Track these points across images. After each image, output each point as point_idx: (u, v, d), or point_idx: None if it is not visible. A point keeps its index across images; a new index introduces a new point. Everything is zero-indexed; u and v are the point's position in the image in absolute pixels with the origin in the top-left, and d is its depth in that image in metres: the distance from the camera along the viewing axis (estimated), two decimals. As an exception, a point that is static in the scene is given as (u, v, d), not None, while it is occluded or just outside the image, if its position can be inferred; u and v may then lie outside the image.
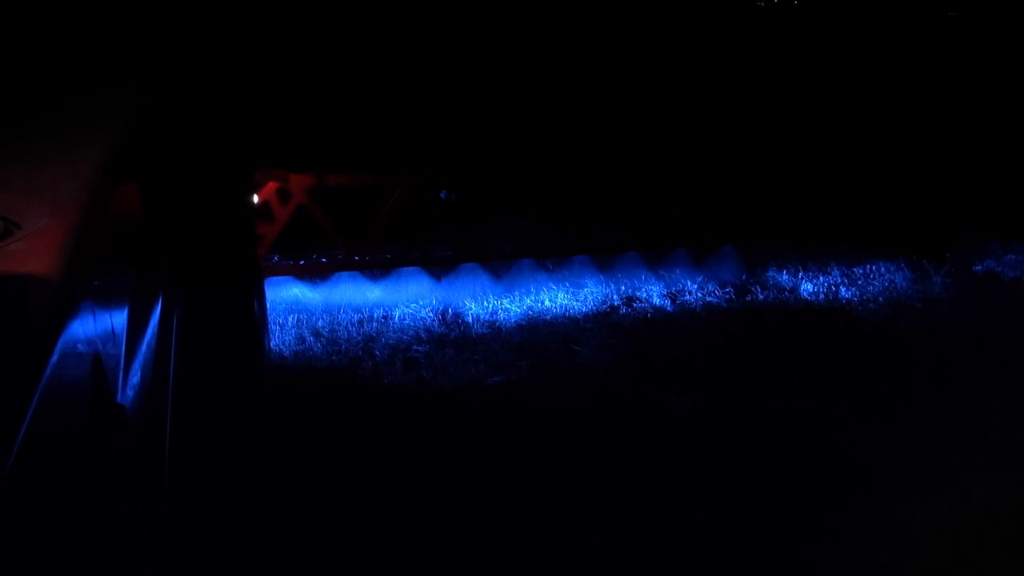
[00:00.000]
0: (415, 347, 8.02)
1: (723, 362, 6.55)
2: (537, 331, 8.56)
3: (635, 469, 4.41)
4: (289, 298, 10.99)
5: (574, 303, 10.53)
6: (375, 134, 11.77)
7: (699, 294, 11.01)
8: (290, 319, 9.84)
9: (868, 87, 11.95)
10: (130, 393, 4.38)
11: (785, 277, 11.67)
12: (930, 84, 11.94)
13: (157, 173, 6.04)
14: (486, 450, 4.64)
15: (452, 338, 8.37)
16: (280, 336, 8.95)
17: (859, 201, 12.32)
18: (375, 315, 10.08)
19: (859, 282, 11.02)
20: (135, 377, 4.32)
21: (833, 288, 10.81)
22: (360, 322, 9.72)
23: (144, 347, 5.00)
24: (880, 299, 9.96)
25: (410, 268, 11.64)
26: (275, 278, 10.82)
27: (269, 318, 8.32)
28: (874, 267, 11.36)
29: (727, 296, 10.88)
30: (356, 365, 7.69)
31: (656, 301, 10.67)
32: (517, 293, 11.22)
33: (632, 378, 5.84)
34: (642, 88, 12.24)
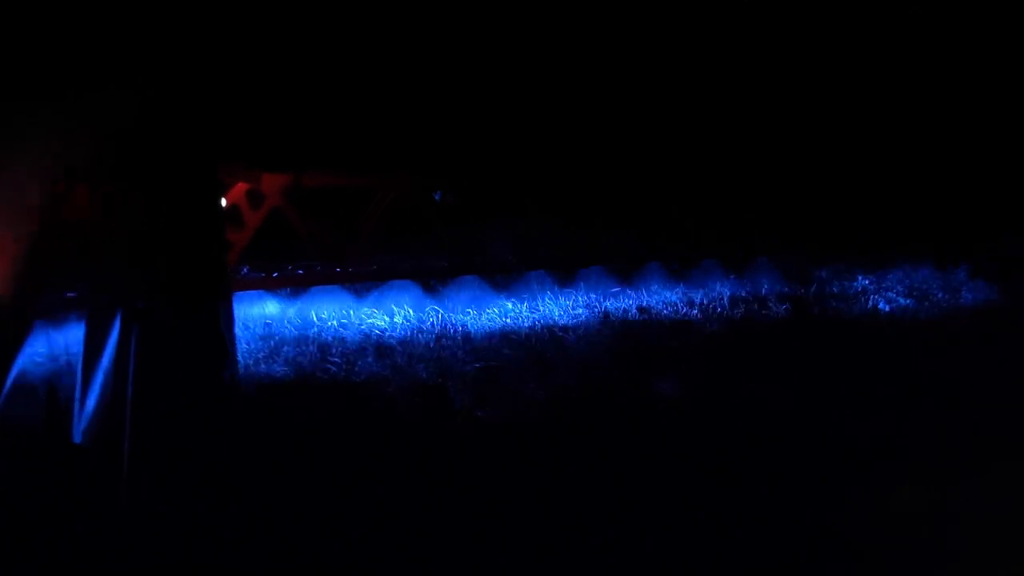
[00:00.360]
0: (393, 380, 8.12)
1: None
2: (555, 368, 8.38)
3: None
4: (260, 316, 11.09)
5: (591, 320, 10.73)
6: (362, 128, 11.80)
7: (741, 307, 11.33)
8: (261, 340, 9.96)
9: (908, 89, 12.81)
10: (84, 424, 4.91)
11: (839, 285, 12.14)
12: (970, 84, 12.83)
13: (111, 174, 6.51)
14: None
15: (447, 373, 8.37)
16: (249, 359, 9.00)
17: (903, 202, 13.18)
18: (358, 337, 10.18)
19: (918, 290, 11.71)
20: (91, 401, 4.73)
21: (891, 299, 11.42)
22: (340, 343, 9.80)
23: (100, 371, 5.44)
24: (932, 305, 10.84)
25: (401, 281, 11.77)
26: (244, 293, 10.92)
27: (237, 338, 8.19)
28: (925, 271, 12.27)
29: (776, 310, 11.24)
30: (334, 396, 7.81)
31: (689, 315, 10.97)
32: (524, 307, 11.38)
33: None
34: (662, 80, 12.78)
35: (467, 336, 9.76)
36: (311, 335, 10.21)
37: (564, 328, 9.97)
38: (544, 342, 9.20)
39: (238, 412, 6.82)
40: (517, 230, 12.49)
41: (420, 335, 10.09)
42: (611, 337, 9.39)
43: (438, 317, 10.77)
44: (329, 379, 8.30)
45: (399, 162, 12.10)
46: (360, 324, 10.74)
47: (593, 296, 11.79)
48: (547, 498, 4.86)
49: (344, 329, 10.53)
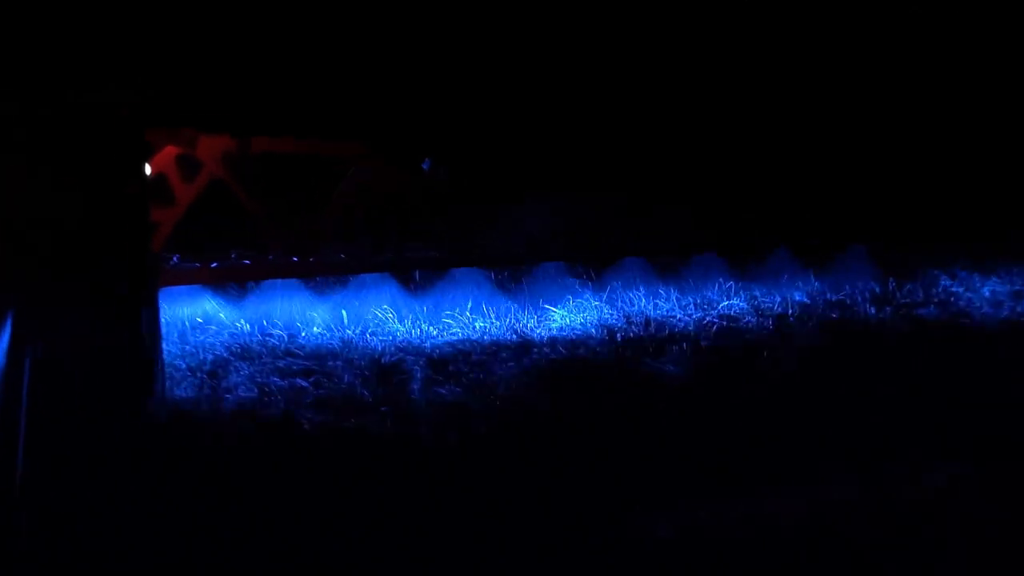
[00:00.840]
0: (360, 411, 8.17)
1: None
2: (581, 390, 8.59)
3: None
4: (195, 318, 11.10)
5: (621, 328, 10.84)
6: (328, 79, 11.79)
7: (812, 310, 11.65)
8: (195, 350, 10.00)
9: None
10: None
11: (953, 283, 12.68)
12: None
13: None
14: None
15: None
16: (178, 376, 9.06)
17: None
18: (320, 347, 10.24)
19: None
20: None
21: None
22: (295, 357, 9.87)
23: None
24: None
25: (376, 275, 11.75)
26: (175, 288, 10.91)
27: (164, 349, 8.23)
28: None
29: (858, 313, 11.57)
30: (284, 427, 7.84)
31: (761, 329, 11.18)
32: (536, 313, 11.45)
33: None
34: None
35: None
36: (258, 345, 10.28)
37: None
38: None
39: (165, 443, 7.02)
40: (535, 219, 12.67)
41: (416, 346, 10.23)
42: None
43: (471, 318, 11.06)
44: (276, 409, 8.28)
45: (376, 124, 12.16)
46: (324, 330, 10.78)
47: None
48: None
49: (301, 337, 10.56)
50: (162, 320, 7.83)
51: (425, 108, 12.22)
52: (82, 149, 6.68)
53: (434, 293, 11.88)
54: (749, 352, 9.90)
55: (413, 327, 10.84)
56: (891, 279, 12.80)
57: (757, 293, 12.35)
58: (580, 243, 12.83)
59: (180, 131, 10.92)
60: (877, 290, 12.54)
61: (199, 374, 9.23)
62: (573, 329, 10.88)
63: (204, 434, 7.51)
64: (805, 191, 13.78)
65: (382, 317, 11.08)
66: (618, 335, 10.56)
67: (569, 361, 9.63)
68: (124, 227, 7.22)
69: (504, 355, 9.73)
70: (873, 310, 11.65)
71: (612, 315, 11.45)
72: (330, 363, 9.45)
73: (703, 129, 13.47)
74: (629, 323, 11.05)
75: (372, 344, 10.21)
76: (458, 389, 8.56)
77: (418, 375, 9.00)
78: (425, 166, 12.77)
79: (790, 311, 11.57)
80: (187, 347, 10.07)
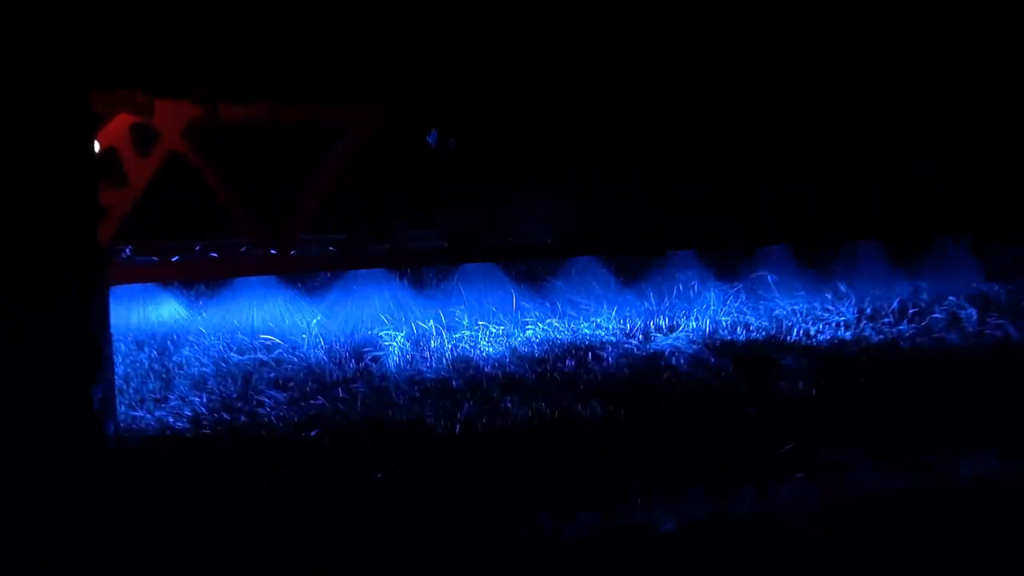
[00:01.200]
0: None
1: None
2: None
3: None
4: (152, 323, 11.09)
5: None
6: (311, 31, 11.59)
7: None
8: (150, 362, 10.08)
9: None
10: None
11: None
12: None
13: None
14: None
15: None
16: (133, 394, 9.18)
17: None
18: (301, 360, 10.38)
19: None
20: None
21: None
22: (274, 370, 10.04)
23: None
24: None
25: (371, 271, 11.82)
26: (127, 286, 10.89)
27: (115, 358, 8.59)
28: None
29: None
30: (256, 454, 8.02)
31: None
32: (566, 318, 11.60)
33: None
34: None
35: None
36: (228, 356, 10.41)
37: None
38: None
39: (112, 465, 7.34)
40: (560, 203, 12.83)
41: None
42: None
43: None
44: (249, 433, 8.51)
45: (370, 85, 11.94)
46: (308, 338, 10.95)
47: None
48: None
49: (281, 347, 10.70)
50: (112, 327, 8.05)
51: (431, 65, 11.98)
52: (10, 118, 6.75)
53: (452, 292, 12.06)
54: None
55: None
56: None
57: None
58: (616, 230, 12.91)
59: (132, 95, 10.74)
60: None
61: (155, 388, 9.49)
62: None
63: (158, 474, 7.58)
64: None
65: (423, 328, 11.24)
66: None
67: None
68: (66, 213, 7.33)
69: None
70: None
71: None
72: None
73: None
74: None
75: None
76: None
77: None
78: (431, 138, 12.69)
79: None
80: (143, 362, 10.22)
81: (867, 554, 6.53)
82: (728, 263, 13.25)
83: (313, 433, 8.38)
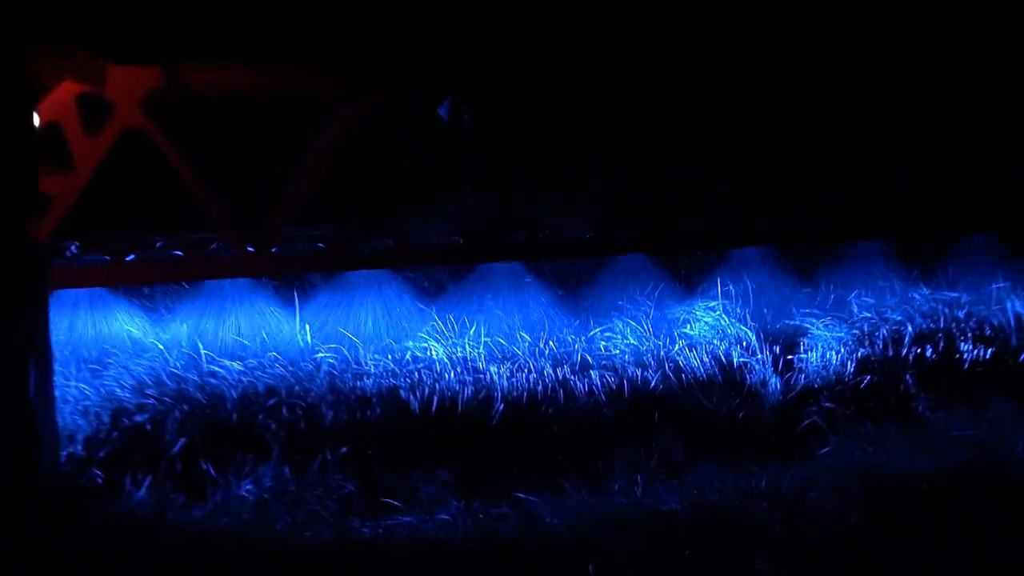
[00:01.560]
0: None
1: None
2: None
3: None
4: (103, 336, 11.17)
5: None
6: None
7: None
8: (101, 383, 10.13)
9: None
10: None
11: None
12: None
13: None
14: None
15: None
16: (74, 418, 9.30)
17: None
18: (284, 382, 10.53)
19: None
20: None
21: None
22: (251, 401, 10.16)
23: None
24: None
25: (370, 272, 11.91)
26: (73, 291, 10.98)
27: (56, 380, 8.72)
28: None
29: None
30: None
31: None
32: (610, 333, 11.59)
33: None
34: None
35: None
36: (196, 381, 10.47)
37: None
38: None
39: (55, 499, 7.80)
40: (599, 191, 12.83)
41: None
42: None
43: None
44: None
45: (371, 46, 11.95)
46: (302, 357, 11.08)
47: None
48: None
49: (262, 370, 10.77)
50: (54, 339, 8.30)
51: (439, 24, 12.01)
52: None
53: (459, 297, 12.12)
54: None
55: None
56: None
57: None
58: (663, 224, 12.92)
59: (78, 57, 10.73)
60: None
61: (106, 427, 9.55)
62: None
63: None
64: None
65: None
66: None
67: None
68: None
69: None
70: None
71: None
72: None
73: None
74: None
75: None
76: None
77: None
78: (442, 111, 12.67)
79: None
80: (91, 383, 10.23)
81: None
82: (804, 261, 13.54)
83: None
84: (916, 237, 14.45)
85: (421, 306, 12.00)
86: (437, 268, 12.33)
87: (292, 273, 12.00)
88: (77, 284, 10.96)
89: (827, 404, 11.22)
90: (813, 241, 13.95)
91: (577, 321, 11.85)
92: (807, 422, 11.04)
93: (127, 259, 11.17)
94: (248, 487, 9.22)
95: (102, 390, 10.10)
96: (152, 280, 11.59)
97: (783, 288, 13.29)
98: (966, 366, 12.14)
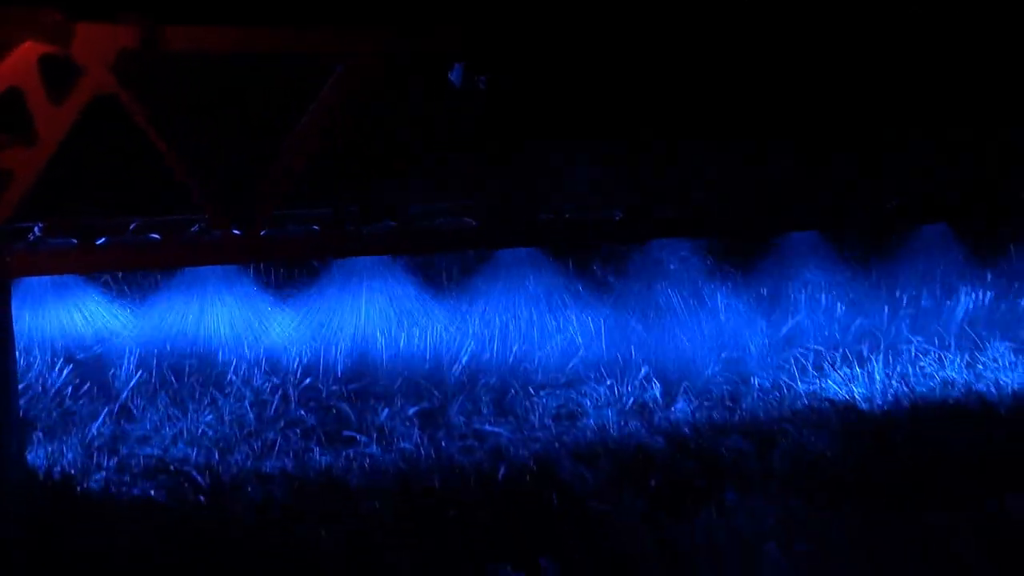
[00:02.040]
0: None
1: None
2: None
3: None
4: (72, 330, 11.00)
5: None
6: None
7: None
8: (67, 385, 10.28)
9: None
10: None
11: None
12: None
13: None
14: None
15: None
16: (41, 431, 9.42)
17: None
18: (274, 380, 10.65)
19: None
20: None
21: None
22: (236, 402, 10.45)
23: None
24: None
25: (370, 260, 11.58)
26: (39, 279, 10.76)
27: (19, 380, 9.19)
28: None
29: None
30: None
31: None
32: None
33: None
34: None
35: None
36: (173, 381, 10.68)
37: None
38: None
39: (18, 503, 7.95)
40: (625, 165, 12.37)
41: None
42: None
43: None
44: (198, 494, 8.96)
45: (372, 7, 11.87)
46: (284, 353, 11.12)
47: None
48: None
49: (254, 367, 10.85)
50: (16, 336, 8.97)
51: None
52: None
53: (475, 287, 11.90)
54: None
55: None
56: None
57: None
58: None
59: (41, 13, 10.36)
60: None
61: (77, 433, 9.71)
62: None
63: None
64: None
65: None
66: None
67: None
68: None
69: None
70: None
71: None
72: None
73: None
74: None
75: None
76: None
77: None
78: (454, 75, 12.24)
79: None
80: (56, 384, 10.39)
81: None
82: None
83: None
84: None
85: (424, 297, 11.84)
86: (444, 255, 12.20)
87: (282, 258, 11.79)
88: (40, 272, 10.70)
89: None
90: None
91: None
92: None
93: (97, 243, 10.85)
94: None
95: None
96: (125, 266, 11.29)
97: None
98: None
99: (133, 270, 11.46)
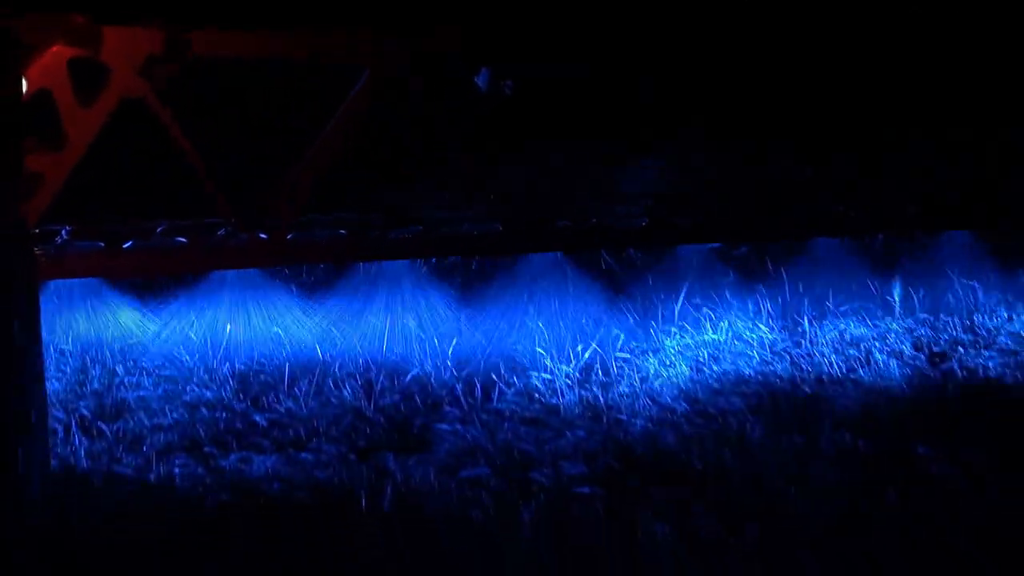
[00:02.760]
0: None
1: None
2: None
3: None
4: (97, 335, 11.15)
5: None
6: None
7: None
8: (94, 390, 10.18)
9: None
10: None
11: None
12: None
13: None
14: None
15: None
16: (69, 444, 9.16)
17: None
18: (302, 387, 10.41)
19: None
20: None
21: None
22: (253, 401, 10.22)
23: None
24: None
25: (398, 263, 11.75)
26: (66, 281, 10.95)
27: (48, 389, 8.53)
28: None
29: None
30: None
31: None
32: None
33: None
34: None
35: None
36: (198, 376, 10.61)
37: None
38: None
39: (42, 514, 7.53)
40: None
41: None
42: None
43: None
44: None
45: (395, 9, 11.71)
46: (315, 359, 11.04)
47: None
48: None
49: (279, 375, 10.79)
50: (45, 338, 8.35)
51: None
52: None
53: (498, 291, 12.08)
54: None
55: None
56: None
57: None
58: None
59: (70, 17, 10.41)
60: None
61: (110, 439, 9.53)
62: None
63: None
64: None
65: None
66: None
67: None
68: None
69: None
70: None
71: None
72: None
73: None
74: None
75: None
76: None
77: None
78: (480, 80, 12.36)
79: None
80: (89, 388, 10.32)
81: None
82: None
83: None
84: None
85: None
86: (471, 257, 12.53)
87: (312, 262, 12.10)
88: (67, 275, 10.84)
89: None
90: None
91: None
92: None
93: (124, 246, 10.97)
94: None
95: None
96: (152, 269, 11.45)
97: None
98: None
99: (160, 273, 11.66)
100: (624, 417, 9.94)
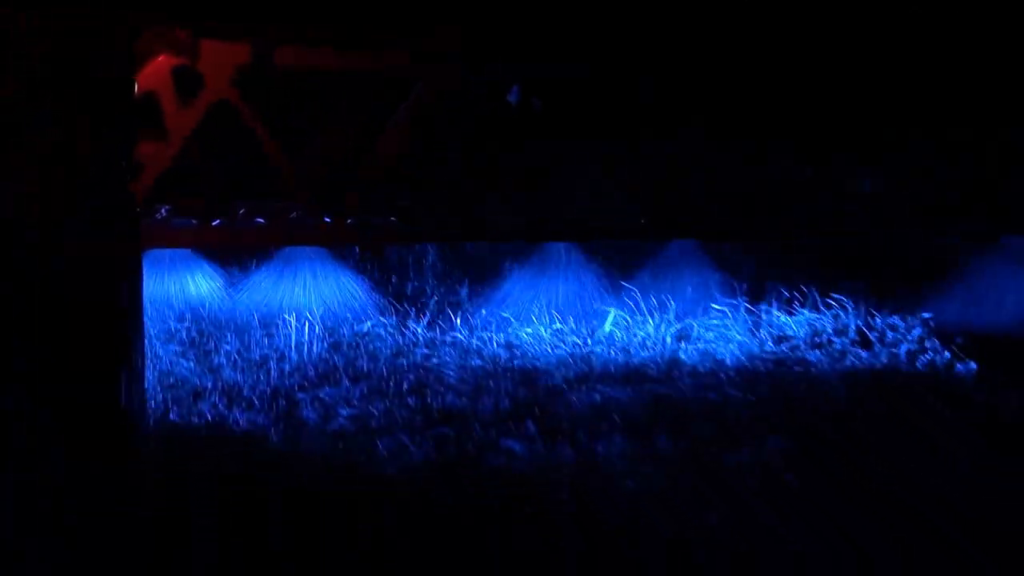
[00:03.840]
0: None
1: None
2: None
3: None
4: (184, 297, 11.76)
5: None
6: None
7: None
8: (180, 342, 10.68)
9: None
10: None
11: None
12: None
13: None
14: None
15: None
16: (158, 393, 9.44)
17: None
18: (378, 352, 10.93)
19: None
20: None
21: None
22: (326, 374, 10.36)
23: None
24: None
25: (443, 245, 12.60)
26: (161, 252, 11.45)
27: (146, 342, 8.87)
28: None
29: None
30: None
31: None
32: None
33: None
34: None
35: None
36: (271, 348, 11.01)
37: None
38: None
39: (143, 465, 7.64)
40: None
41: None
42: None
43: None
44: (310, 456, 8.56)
45: (447, 28, 12.03)
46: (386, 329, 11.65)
47: None
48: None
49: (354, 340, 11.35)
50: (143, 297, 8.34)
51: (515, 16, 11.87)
52: (57, 55, 7.19)
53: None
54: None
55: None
56: None
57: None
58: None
59: (175, 32, 11.14)
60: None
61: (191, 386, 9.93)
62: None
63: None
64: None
65: None
66: None
67: None
68: (103, 165, 7.66)
69: None
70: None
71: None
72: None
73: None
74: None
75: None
76: None
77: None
78: (512, 96, 12.90)
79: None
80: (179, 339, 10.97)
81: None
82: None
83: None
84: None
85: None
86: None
87: (368, 244, 12.64)
88: (165, 244, 11.50)
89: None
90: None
91: None
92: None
93: (213, 223, 11.66)
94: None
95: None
96: (235, 244, 12.10)
97: None
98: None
99: (241, 247, 12.35)
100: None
